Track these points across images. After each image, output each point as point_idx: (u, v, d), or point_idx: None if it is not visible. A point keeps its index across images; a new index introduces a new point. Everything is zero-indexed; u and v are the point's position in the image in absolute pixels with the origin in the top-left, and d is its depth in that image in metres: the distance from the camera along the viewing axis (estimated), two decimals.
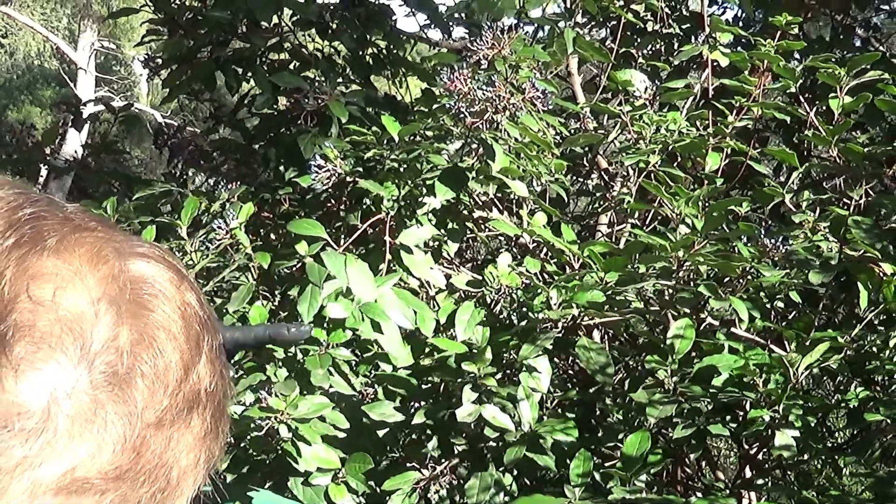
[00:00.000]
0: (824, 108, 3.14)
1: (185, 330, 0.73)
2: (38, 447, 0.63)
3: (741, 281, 2.84)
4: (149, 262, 0.74)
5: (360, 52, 3.74)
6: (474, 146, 2.89)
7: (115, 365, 0.67)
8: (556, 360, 3.18)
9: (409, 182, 2.85)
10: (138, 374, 0.68)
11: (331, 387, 2.67)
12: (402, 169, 2.87)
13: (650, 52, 3.79)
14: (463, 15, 3.77)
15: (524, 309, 2.85)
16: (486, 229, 3.13)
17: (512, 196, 3.07)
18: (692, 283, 2.84)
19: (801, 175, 3.17)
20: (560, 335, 2.81)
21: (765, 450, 3.07)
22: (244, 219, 2.82)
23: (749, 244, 2.94)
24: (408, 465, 2.86)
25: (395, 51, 3.87)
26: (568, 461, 2.73)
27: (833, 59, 3.16)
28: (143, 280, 0.72)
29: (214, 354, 0.76)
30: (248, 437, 2.63)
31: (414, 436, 2.98)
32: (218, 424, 0.76)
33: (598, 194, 3.70)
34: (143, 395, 0.68)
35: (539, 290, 2.76)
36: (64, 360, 0.65)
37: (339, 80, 3.62)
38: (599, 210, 3.62)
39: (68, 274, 0.68)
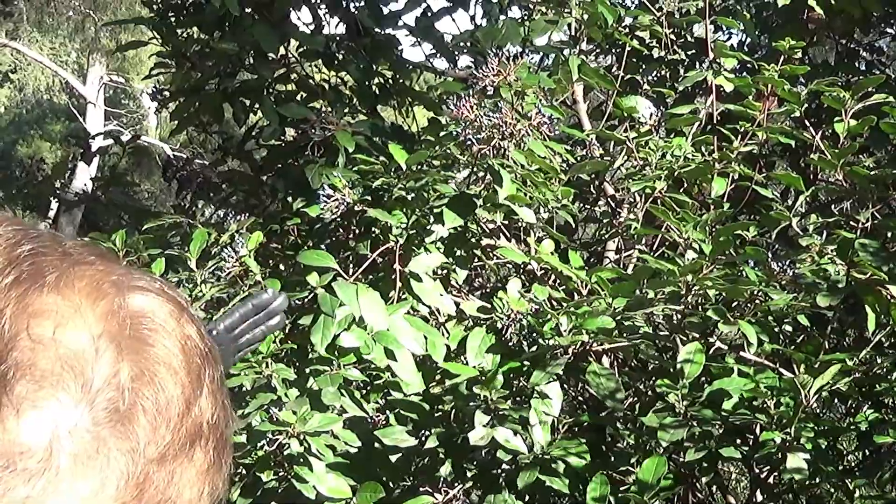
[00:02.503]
0: (830, 131, 3.15)
1: (185, 364, 0.73)
2: (41, 486, 0.63)
3: (749, 305, 2.84)
4: (148, 295, 0.74)
5: (367, 82, 3.76)
6: (481, 174, 2.90)
7: (117, 401, 0.67)
8: (566, 385, 3.18)
9: (417, 210, 2.86)
10: (140, 409, 0.68)
11: (342, 409, 2.68)
12: (409, 197, 2.88)
13: (655, 79, 3.80)
14: (468, 44, 3.78)
15: (534, 335, 2.85)
16: (494, 257, 3.14)
17: (519, 223, 3.08)
18: (701, 308, 2.83)
19: (807, 199, 3.17)
20: (570, 361, 2.81)
21: (776, 473, 3.06)
22: (254, 246, 2.83)
23: (757, 268, 2.95)
24: (420, 489, 2.86)
25: (401, 80, 3.88)
26: (579, 486, 2.73)
27: (838, 84, 3.17)
28: (143, 314, 0.72)
29: (216, 386, 0.76)
30: (256, 455, 2.63)
31: (426, 460, 2.98)
32: (221, 457, 0.75)
33: (605, 221, 3.70)
34: (146, 430, 0.68)
35: (549, 317, 2.76)
36: (65, 398, 0.65)
37: (346, 110, 3.63)
38: (607, 236, 3.62)
39: (68, 311, 0.68)
